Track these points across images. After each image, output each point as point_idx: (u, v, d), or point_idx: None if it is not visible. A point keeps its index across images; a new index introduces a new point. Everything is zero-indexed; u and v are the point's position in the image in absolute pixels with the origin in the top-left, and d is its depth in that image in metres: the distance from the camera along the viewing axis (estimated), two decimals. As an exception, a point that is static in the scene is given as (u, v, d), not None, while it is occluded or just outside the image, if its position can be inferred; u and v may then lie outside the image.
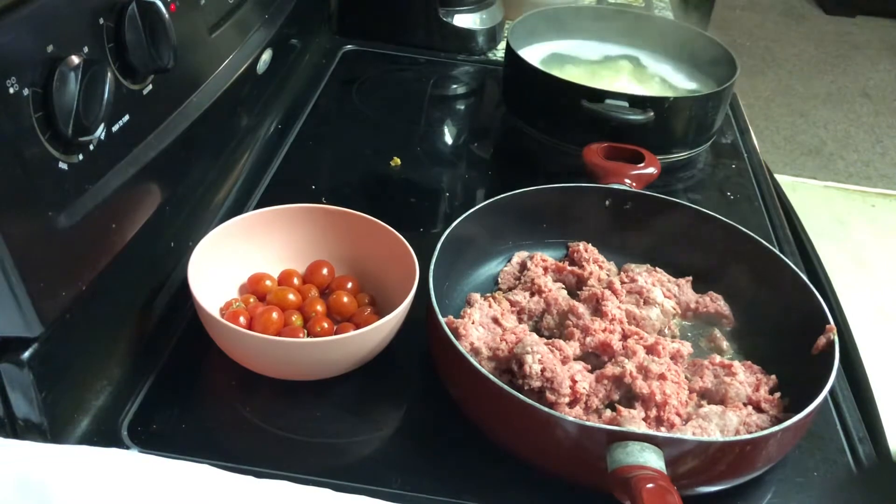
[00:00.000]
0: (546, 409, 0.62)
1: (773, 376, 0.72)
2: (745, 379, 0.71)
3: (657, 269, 0.84)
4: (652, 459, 0.57)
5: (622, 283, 0.81)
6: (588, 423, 0.62)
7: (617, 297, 0.79)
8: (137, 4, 0.61)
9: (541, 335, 0.76)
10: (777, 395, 0.70)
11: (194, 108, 0.75)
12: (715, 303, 0.81)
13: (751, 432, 0.65)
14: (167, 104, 0.71)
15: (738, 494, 0.66)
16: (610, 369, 0.70)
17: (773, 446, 0.64)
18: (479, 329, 0.73)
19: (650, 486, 0.55)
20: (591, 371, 0.70)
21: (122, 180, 0.63)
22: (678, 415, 0.67)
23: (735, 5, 4.11)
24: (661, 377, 0.68)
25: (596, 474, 0.59)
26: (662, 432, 0.65)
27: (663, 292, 0.81)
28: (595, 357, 0.73)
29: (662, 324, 0.78)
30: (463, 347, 0.68)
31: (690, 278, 0.83)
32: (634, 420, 0.66)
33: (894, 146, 3.19)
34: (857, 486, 0.69)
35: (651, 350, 0.73)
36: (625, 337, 0.74)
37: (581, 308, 0.77)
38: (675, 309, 0.80)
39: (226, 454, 0.63)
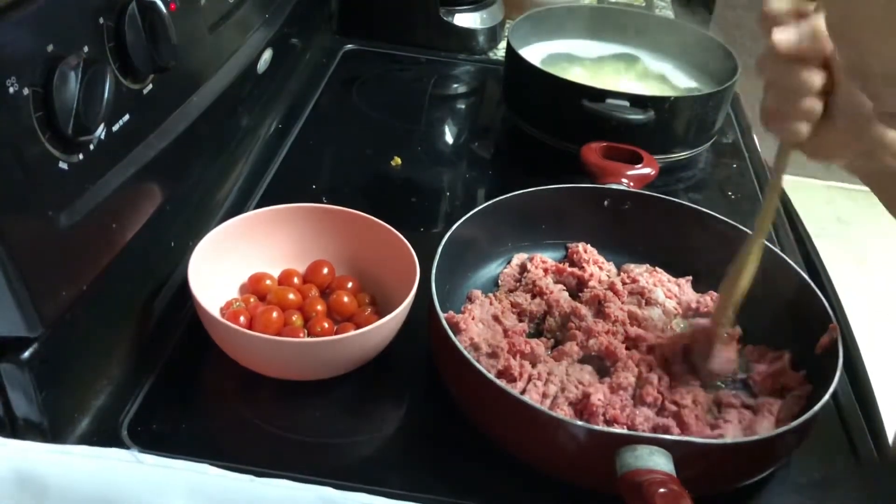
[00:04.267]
0: (549, 412, 0.62)
1: (788, 352, 0.73)
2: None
3: (657, 268, 0.84)
4: (661, 462, 0.57)
5: (623, 283, 0.81)
6: (595, 428, 0.62)
7: (619, 298, 0.79)
8: (137, 4, 0.61)
9: (542, 337, 0.76)
10: (803, 372, 0.70)
11: (194, 108, 0.75)
12: (715, 302, 0.81)
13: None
14: (167, 104, 0.71)
15: (739, 495, 0.66)
16: (622, 378, 0.70)
17: (780, 447, 0.64)
18: (479, 325, 0.73)
19: (662, 490, 0.55)
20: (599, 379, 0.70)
21: (122, 180, 0.63)
22: None
23: (736, 5, 4.10)
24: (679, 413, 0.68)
25: (601, 477, 0.59)
26: (671, 432, 0.65)
27: (664, 292, 0.81)
28: (598, 360, 0.73)
29: (664, 324, 0.78)
30: (462, 343, 0.69)
31: (690, 278, 0.83)
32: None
33: (895, 146, 3.19)
34: (857, 485, 0.69)
35: (651, 350, 0.73)
36: (628, 338, 0.75)
37: (584, 310, 0.77)
38: (676, 309, 0.80)
39: (226, 454, 0.63)
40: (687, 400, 0.68)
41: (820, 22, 0.55)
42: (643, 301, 0.79)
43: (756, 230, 0.69)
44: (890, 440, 0.74)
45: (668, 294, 0.81)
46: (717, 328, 0.72)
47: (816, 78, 0.57)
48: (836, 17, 0.50)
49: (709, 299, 0.81)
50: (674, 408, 0.67)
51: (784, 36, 0.56)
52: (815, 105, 0.58)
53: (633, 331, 0.75)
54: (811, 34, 0.56)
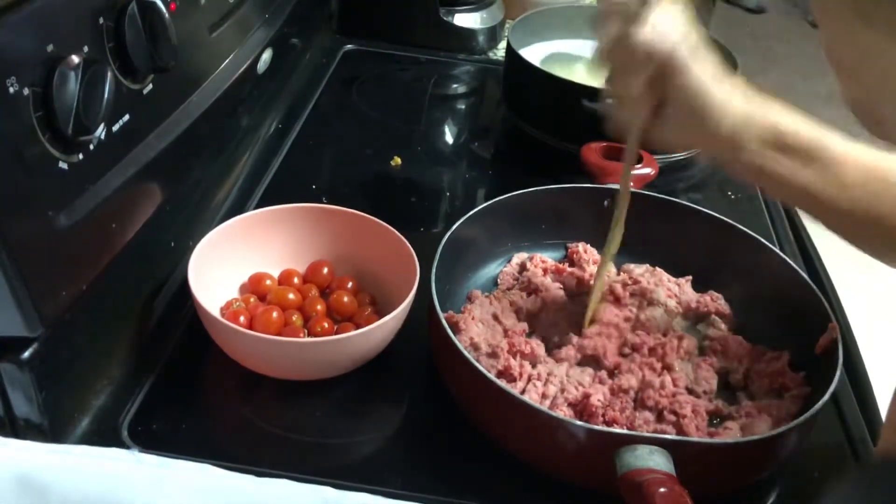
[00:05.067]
0: (549, 412, 0.62)
1: (786, 353, 0.73)
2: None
3: (657, 268, 0.84)
4: (661, 462, 0.57)
5: (624, 284, 0.81)
6: (595, 427, 0.62)
7: (618, 300, 0.79)
8: (137, 4, 0.61)
9: (538, 335, 0.76)
10: (802, 373, 0.70)
11: (194, 108, 0.75)
12: (715, 302, 0.81)
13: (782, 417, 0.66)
14: (167, 104, 0.71)
15: (740, 495, 0.66)
16: (624, 381, 0.70)
17: (779, 447, 0.64)
18: (479, 325, 0.73)
19: (662, 490, 0.55)
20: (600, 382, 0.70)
21: (122, 180, 0.63)
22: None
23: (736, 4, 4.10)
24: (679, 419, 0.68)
25: (601, 477, 0.59)
26: (669, 434, 0.65)
27: (664, 292, 0.81)
28: (594, 360, 0.73)
29: (666, 324, 0.78)
30: (462, 342, 0.69)
31: (690, 278, 0.83)
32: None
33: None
34: (857, 485, 0.69)
35: (653, 352, 0.73)
36: (626, 343, 0.74)
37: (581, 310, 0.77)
38: (677, 308, 0.80)
39: (226, 454, 0.63)
40: (686, 409, 0.67)
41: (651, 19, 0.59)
42: (644, 302, 0.79)
43: (621, 192, 0.74)
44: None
45: (669, 293, 0.81)
46: (593, 290, 0.76)
47: (641, 74, 0.61)
48: (856, 95, 0.49)
49: (709, 299, 0.81)
50: (673, 417, 0.67)
51: (611, 30, 0.61)
52: (645, 97, 0.62)
53: (631, 337, 0.75)
54: (624, 33, 0.60)
